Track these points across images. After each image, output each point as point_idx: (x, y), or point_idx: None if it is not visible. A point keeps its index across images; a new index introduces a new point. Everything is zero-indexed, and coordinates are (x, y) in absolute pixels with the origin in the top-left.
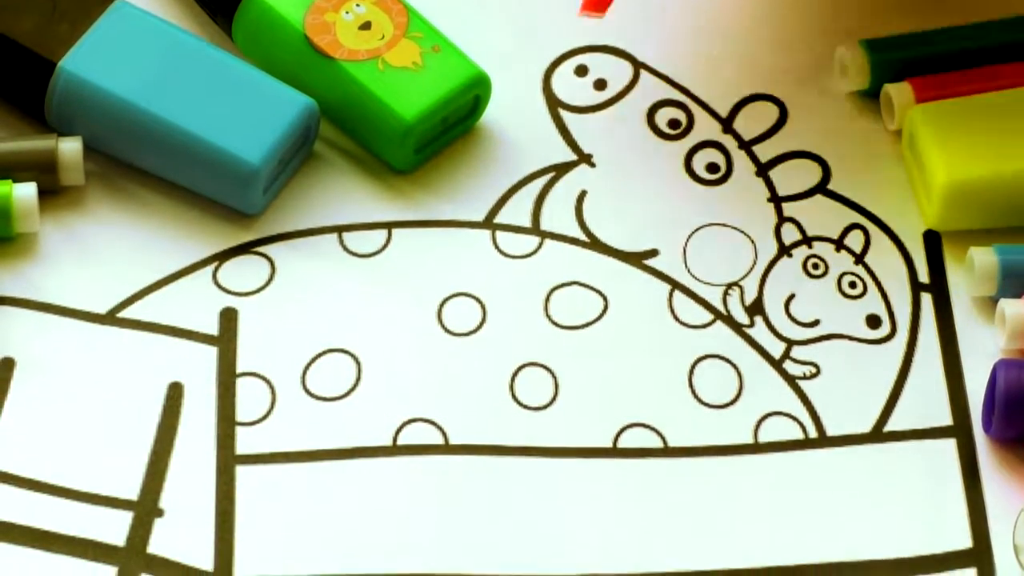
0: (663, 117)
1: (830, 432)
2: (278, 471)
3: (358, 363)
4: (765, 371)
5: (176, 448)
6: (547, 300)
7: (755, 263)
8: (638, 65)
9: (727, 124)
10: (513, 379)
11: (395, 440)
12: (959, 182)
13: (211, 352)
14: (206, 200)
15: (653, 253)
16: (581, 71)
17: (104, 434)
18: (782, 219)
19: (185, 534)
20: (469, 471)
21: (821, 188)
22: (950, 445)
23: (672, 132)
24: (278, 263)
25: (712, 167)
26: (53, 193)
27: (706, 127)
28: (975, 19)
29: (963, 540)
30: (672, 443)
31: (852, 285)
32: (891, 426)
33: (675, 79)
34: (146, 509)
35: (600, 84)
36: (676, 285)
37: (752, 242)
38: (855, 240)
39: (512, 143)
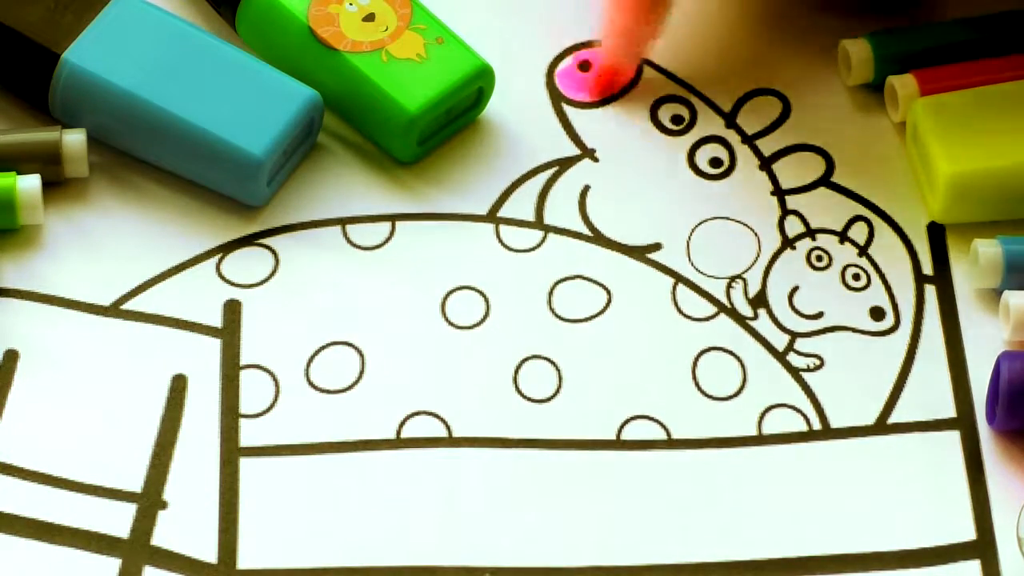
0: (666, 113)
1: (834, 424)
2: (282, 463)
3: (362, 356)
4: (769, 363)
5: (180, 440)
6: (551, 294)
7: (759, 256)
8: (641, 61)
9: (730, 119)
10: (517, 372)
11: (399, 433)
12: (963, 174)
13: (215, 344)
14: (210, 192)
15: (656, 247)
16: (585, 66)
17: (108, 426)
18: (785, 212)
19: (189, 526)
20: (473, 464)
21: (825, 181)
22: (954, 437)
23: (675, 128)
24: (282, 255)
25: (715, 162)
26: (57, 185)
27: (709, 122)
28: (979, 12)
29: (967, 532)
30: (676, 435)
31: (856, 277)
32: (895, 418)
33: (678, 75)
34: (150, 501)
35: None
36: (679, 278)
37: (755, 235)
38: (859, 232)
39: (515, 137)
